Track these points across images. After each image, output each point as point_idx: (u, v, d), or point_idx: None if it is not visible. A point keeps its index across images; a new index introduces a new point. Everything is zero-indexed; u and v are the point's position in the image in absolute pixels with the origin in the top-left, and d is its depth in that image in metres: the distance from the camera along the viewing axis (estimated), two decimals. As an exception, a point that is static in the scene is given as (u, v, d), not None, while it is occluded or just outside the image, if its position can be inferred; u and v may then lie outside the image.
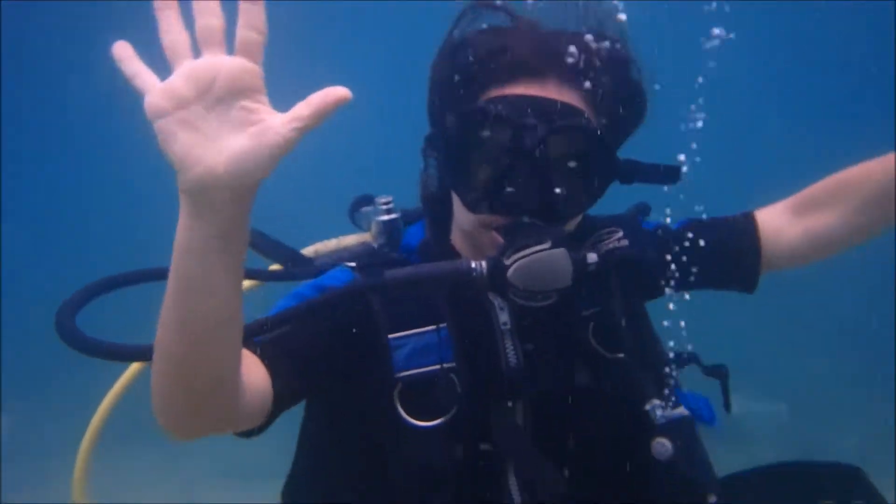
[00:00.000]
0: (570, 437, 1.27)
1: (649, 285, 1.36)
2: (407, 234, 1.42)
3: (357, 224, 1.66)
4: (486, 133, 1.19)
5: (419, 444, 1.19)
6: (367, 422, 1.24)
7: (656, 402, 1.23)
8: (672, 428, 1.20)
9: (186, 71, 0.82)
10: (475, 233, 1.25)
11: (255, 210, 0.89)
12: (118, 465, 4.50)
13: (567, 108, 1.18)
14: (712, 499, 1.21)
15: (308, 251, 1.53)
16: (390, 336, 1.22)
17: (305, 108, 0.82)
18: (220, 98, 0.82)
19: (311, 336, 1.20)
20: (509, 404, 1.24)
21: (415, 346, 1.22)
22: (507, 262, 1.13)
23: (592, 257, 1.20)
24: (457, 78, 1.23)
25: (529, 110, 1.16)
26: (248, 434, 1.15)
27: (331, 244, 1.57)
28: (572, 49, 1.19)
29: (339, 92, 0.81)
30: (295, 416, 1.33)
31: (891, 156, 1.21)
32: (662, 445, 1.19)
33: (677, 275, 1.33)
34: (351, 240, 1.58)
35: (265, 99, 0.84)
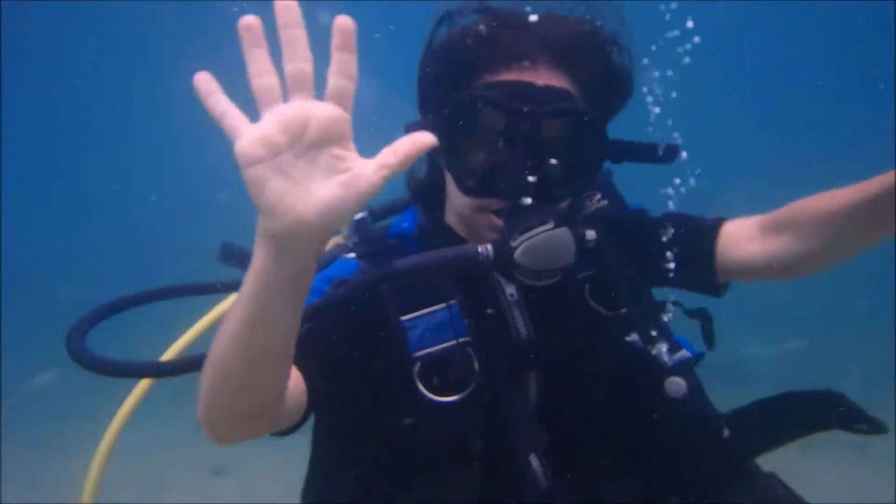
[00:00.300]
0: (584, 399, 1.30)
1: (633, 240, 1.37)
2: (395, 225, 1.42)
3: None
4: (480, 120, 1.22)
5: (443, 420, 1.22)
6: (388, 406, 1.26)
7: (663, 346, 1.26)
8: (682, 367, 1.24)
9: (279, 117, 0.81)
10: (472, 215, 1.27)
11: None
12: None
13: (558, 93, 1.21)
14: (726, 432, 1.24)
15: None
16: (402, 318, 1.24)
17: (393, 155, 0.82)
18: (310, 145, 0.82)
19: (332, 331, 1.21)
20: (524, 373, 1.28)
21: (428, 325, 1.24)
22: (514, 244, 1.16)
23: (591, 234, 1.24)
24: (449, 66, 1.26)
25: (522, 96, 1.19)
26: (284, 433, 1.18)
27: None
28: (561, 34, 1.23)
29: (426, 138, 0.82)
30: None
31: (855, 186, 1.19)
32: (676, 384, 1.22)
33: (650, 266, 1.35)
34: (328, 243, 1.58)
35: (353, 146, 0.85)
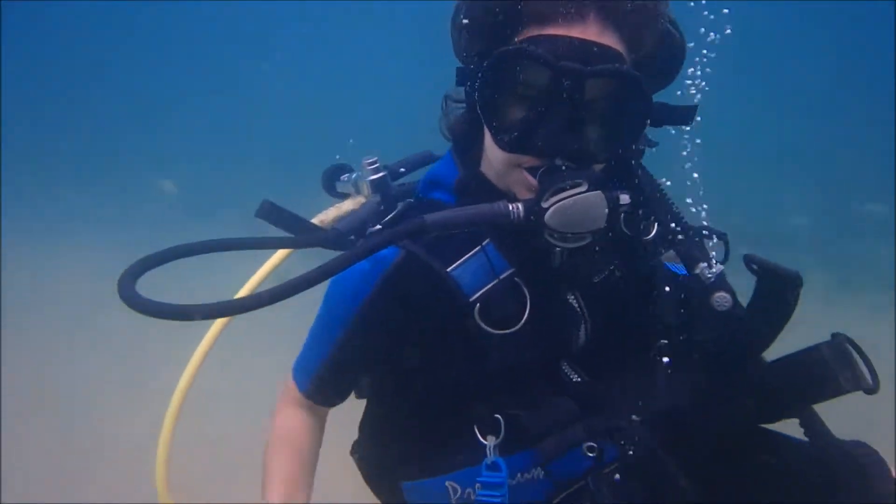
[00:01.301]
0: (626, 316, 1.34)
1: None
2: (434, 172, 1.43)
3: (336, 193, 1.69)
4: (523, 75, 1.17)
5: (506, 350, 1.26)
6: (448, 352, 1.31)
7: (702, 264, 1.26)
8: (723, 281, 1.25)
9: None
10: (506, 171, 1.25)
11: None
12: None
13: (607, 52, 1.15)
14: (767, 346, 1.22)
15: (314, 222, 1.57)
16: (448, 270, 1.27)
17: None
18: None
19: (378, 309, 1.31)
20: (569, 297, 1.32)
21: (474, 269, 1.27)
22: (545, 206, 1.14)
23: (625, 198, 1.20)
24: (493, 15, 1.20)
25: (569, 53, 1.14)
26: None
27: (331, 213, 1.59)
28: None
29: None
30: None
31: None
32: (723, 297, 1.23)
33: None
34: (348, 205, 1.60)
35: None
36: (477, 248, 1.27)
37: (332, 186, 1.70)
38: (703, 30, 1.31)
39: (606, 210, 1.15)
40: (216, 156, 13.04)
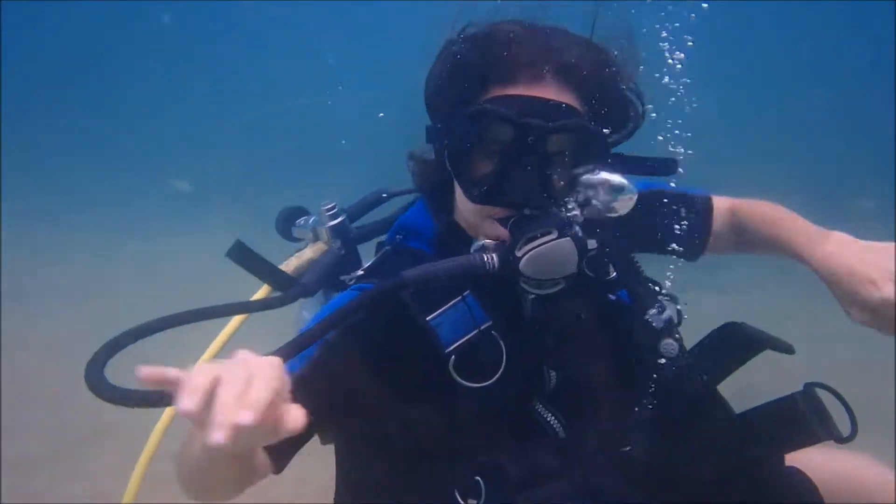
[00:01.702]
0: (595, 354, 1.39)
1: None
2: (409, 222, 1.47)
3: (291, 237, 1.73)
4: (489, 132, 1.26)
5: (482, 402, 1.27)
6: (423, 402, 1.31)
7: (652, 310, 1.35)
8: (672, 328, 1.34)
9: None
10: (477, 221, 1.32)
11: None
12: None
13: (565, 108, 1.25)
14: (711, 383, 1.33)
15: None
16: (427, 318, 1.29)
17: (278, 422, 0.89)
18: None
19: (351, 352, 1.28)
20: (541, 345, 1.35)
21: (453, 319, 1.29)
22: (519, 255, 1.20)
23: (592, 243, 1.26)
24: (459, 77, 1.29)
25: (530, 111, 1.23)
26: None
27: (292, 263, 1.61)
28: (571, 51, 1.27)
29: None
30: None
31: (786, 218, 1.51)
32: (670, 344, 1.32)
33: (641, 237, 1.49)
34: (308, 253, 1.62)
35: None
36: (458, 298, 1.30)
37: (287, 230, 1.74)
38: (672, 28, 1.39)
39: (577, 255, 1.22)
40: (222, 151, 13.04)
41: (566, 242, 1.21)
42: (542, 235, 1.21)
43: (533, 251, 1.20)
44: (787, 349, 1.29)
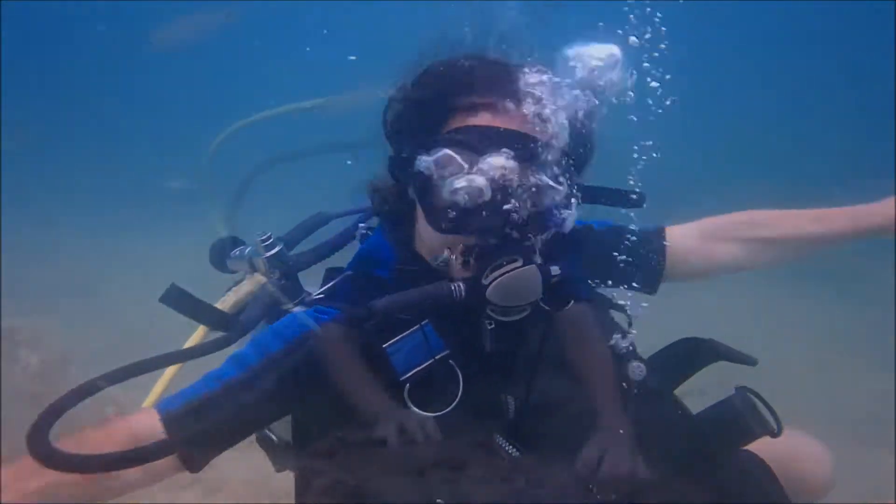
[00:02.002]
0: (551, 383, 1.38)
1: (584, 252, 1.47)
2: (370, 250, 1.46)
3: (226, 269, 1.70)
4: (451, 163, 1.25)
5: (441, 430, 1.23)
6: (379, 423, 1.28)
7: (616, 335, 1.39)
8: (636, 352, 1.38)
9: None
10: (441, 250, 1.31)
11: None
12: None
13: (528, 139, 1.25)
14: (684, 402, 1.39)
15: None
16: (385, 346, 1.30)
17: None
18: None
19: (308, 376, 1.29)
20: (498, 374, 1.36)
21: (409, 348, 1.30)
22: (486, 282, 1.22)
23: (556, 269, 1.27)
24: (422, 108, 1.31)
25: (493, 141, 1.24)
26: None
27: (230, 299, 1.57)
28: (534, 82, 1.27)
29: None
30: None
31: (807, 211, 1.49)
32: (638, 367, 1.35)
33: (592, 269, 1.50)
34: (246, 287, 1.58)
35: None
36: (416, 327, 1.30)
37: (221, 262, 1.71)
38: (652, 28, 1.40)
39: (541, 282, 1.23)
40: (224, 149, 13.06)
41: (531, 270, 1.23)
42: (508, 263, 1.22)
43: (500, 278, 1.21)
44: (749, 361, 1.37)
